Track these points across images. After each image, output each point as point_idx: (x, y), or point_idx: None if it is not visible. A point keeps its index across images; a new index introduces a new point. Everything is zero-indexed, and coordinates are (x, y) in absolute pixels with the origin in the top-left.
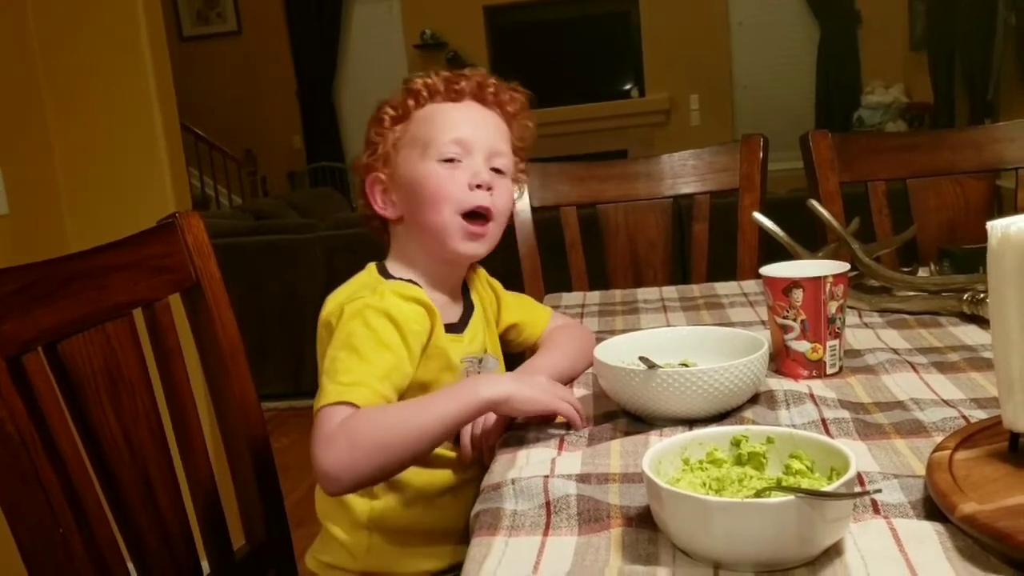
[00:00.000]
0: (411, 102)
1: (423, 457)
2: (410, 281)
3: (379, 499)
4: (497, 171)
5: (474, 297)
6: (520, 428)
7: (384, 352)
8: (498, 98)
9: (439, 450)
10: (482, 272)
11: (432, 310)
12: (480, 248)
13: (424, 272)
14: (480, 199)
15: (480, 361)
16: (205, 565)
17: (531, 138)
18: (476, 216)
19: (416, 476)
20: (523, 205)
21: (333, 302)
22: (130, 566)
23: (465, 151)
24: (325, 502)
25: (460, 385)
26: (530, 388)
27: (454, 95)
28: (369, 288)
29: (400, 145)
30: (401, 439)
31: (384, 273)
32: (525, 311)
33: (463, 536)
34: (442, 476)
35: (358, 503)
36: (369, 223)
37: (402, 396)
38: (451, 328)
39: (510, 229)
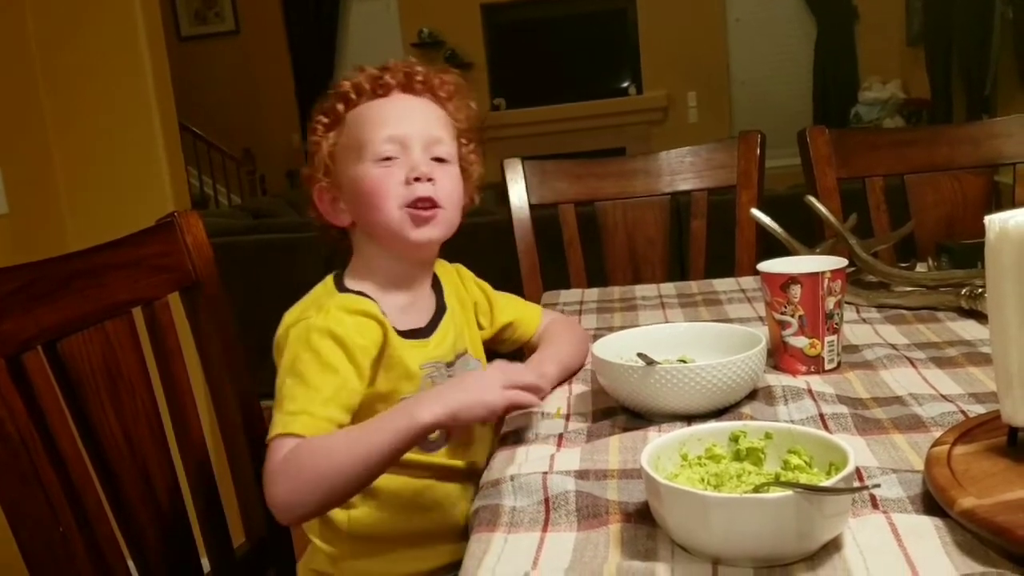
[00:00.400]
0: (340, 106)
1: (370, 482)
2: (360, 293)
3: (356, 508)
4: (439, 160)
5: (448, 299)
6: (519, 424)
7: (328, 375)
8: (428, 84)
9: (411, 455)
10: (466, 273)
11: (382, 321)
12: (433, 232)
13: (385, 275)
14: (420, 191)
15: (450, 365)
16: (205, 563)
17: (474, 118)
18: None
19: (389, 482)
20: (521, 203)
21: (283, 323)
22: (130, 564)
23: (401, 147)
24: None
25: (395, 411)
26: (474, 394)
27: (381, 90)
28: (316, 306)
29: (336, 151)
30: (340, 471)
31: (339, 285)
32: (518, 309)
33: (450, 537)
34: (416, 481)
35: (336, 513)
36: (326, 233)
37: (359, 411)
38: (415, 333)
39: (508, 227)
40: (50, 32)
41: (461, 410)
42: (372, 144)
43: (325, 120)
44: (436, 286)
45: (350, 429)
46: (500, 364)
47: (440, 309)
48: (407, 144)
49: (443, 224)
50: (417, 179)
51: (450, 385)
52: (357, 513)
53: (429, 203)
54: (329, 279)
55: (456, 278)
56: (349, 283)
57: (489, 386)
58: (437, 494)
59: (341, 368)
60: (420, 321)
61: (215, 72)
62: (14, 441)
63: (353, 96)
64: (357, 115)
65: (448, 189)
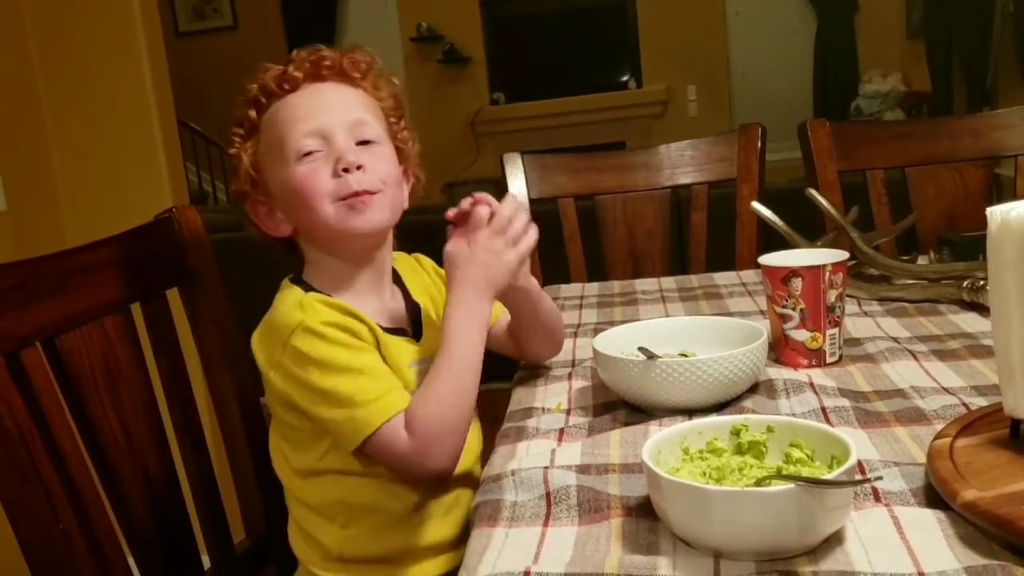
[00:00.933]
0: (252, 112)
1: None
2: (323, 293)
3: (346, 529)
4: (367, 142)
5: (417, 296)
6: (519, 420)
7: (364, 353)
8: (338, 69)
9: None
10: (426, 261)
11: (362, 318)
12: (377, 215)
13: (343, 280)
14: (353, 183)
15: None
16: (206, 559)
17: (398, 93)
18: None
19: (377, 502)
20: (520, 197)
21: (273, 337)
22: (130, 560)
23: (322, 139)
24: (298, 541)
25: (459, 320)
26: (494, 263)
27: (289, 85)
28: (299, 307)
29: (259, 160)
30: (466, 399)
31: (302, 284)
32: None
33: (443, 548)
34: (404, 499)
35: (327, 538)
36: (272, 248)
37: None
38: (405, 333)
39: None
40: (48, 29)
41: (497, 286)
42: (291, 142)
43: (241, 130)
44: (398, 283)
45: (438, 366)
46: (472, 237)
47: (412, 307)
48: (328, 135)
49: (385, 207)
50: (346, 170)
51: (471, 269)
52: (347, 535)
53: (364, 194)
54: (287, 283)
55: (419, 268)
56: (314, 282)
57: (493, 248)
58: (428, 505)
59: (367, 346)
60: (405, 322)
61: (213, 68)
62: (13, 438)
63: (263, 99)
64: (271, 117)
65: (382, 172)
